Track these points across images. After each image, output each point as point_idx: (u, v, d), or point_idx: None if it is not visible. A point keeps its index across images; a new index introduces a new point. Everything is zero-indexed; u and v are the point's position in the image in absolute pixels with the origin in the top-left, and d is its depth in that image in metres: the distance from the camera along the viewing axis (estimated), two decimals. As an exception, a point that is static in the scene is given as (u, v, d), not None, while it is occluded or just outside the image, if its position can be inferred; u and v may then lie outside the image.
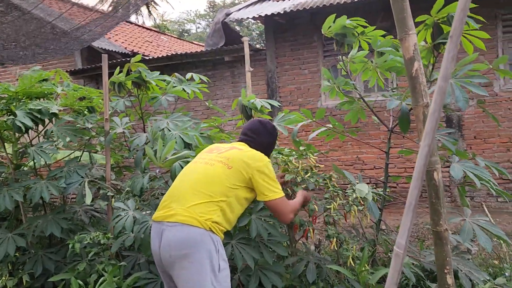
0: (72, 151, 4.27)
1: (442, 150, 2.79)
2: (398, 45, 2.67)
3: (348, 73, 2.86)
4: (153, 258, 2.18)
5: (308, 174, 2.72)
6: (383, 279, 3.02)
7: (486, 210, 3.56)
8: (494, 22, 6.54)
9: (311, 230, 2.71)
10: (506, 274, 2.90)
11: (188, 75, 3.99)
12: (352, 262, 2.50)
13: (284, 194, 2.26)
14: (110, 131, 3.57)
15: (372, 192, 2.64)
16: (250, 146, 2.35)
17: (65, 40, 4.77)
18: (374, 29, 2.84)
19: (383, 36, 2.75)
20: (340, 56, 2.83)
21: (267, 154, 2.39)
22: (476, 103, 2.81)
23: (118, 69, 3.61)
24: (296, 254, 2.91)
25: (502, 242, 3.77)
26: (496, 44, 6.58)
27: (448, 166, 2.72)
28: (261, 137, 2.40)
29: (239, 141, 2.43)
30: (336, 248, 2.66)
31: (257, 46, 7.99)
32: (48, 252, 3.54)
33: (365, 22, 2.78)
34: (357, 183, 2.66)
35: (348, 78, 2.89)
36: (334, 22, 2.71)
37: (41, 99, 3.96)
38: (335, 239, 2.56)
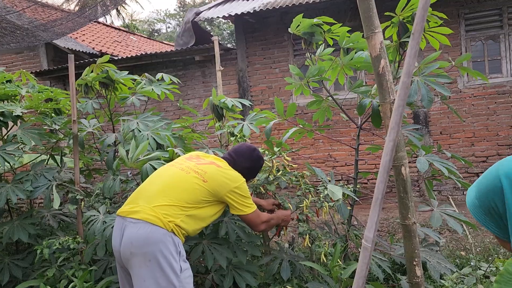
0: (39, 155, 4.14)
1: (409, 146, 2.86)
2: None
3: (317, 71, 2.90)
4: (114, 254, 2.19)
5: (280, 173, 2.74)
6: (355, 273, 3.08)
7: (452, 203, 3.68)
8: (457, 20, 6.76)
9: (284, 228, 2.73)
10: (472, 264, 3.00)
11: (159, 75, 3.94)
12: (324, 258, 2.53)
13: (256, 207, 2.35)
14: (79, 133, 3.49)
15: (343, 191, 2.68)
16: (229, 165, 2.37)
17: (32, 29, 4.63)
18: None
19: (349, 32, 2.80)
20: (308, 54, 2.85)
21: (246, 178, 2.40)
22: (440, 100, 2.89)
23: (87, 69, 3.52)
24: (270, 253, 2.93)
25: (467, 234, 3.91)
26: (460, 42, 6.80)
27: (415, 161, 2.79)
28: (242, 161, 2.42)
29: (221, 157, 2.47)
30: (309, 245, 2.69)
31: (228, 45, 7.96)
32: (15, 259, 3.43)
33: (333, 20, 2.82)
34: (329, 181, 2.69)
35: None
36: (300, 22, 2.74)
37: (5, 102, 3.83)
38: (307, 236, 2.59)
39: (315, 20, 2.66)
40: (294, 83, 2.84)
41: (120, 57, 8.38)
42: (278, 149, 2.79)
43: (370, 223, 1.02)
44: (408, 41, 2.60)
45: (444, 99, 2.86)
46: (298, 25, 2.69)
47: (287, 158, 2.75)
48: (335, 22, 2.78)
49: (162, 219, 2.05)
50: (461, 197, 6.75)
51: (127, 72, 3.60)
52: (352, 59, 2.81)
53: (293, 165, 2.82)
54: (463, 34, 6.79)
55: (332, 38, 3.03)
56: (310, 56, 2.84)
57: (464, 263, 3.37)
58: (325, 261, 2.51)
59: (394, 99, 2.16)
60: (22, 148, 3.98)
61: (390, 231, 4.85)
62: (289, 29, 2.75)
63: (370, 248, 1.01)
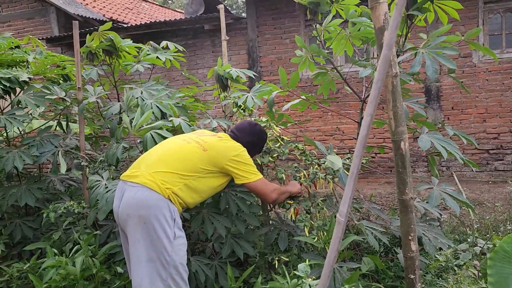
0: (47, 121, 4.20)
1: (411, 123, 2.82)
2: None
3: (322, 42, 2.84)
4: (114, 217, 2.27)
5: (278, 145, 2.74)
6: (354, 246, 3.11)
7: (456, 179, 3.65)
8: (475, -8, 6.52)
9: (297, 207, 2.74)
10: (469, 240, 3.00)
11: (163, 43, 3.92)
12: (306, 232, 2.55)
13: (262, 176, 2.38)
14: (83, 100, 3.51)
15: (344, 163, 2.67)
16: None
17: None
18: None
19: (358, 4, 2.72)
20: (314, 25, 2.79)
21: (250, 154, 2.44)
22: (447, 73, 2.82)
23: (88, 36, 3.52)
24: (269, 224, 2.96)
25: (470, 210, 3.90)
26: (477, 14, 6.57)
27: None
28: (244, 136, 2.48)
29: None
30: (294, 218, 2.72)
31: (243, 14, 7.75)
32: (26, 220, 3.54)
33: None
34: (328, 154, 2.68)
35: (322, 47, 2.87)
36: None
37: (13, 68, 3.85)
38: (293, 209, 2.61)
39: (320, -11, 2.59)
40: (301, 56, 2.79)
41: (130, 25, 8.32)
42: (266, 119, 2.77)
43: (345, 198, 1.02)
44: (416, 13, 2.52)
45: (452, 73, 2.79)
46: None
47: (276, 129, 2.74)
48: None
49: (159, 185, 2.11)
50: (469, 173, 6.70)
51: (131, 40, 3.58)
52: (359, 30, 2.75)
53: (285, 137, 2.81)
54: (481, 6, 6.55)
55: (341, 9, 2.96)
56: (316, 26, 2.78)
57: (464, 239, 3.37)
58: (307, 235, 2.54)
59: (396, 73, 2.12)
60: (31, 114, 4.04)
61: (393, 205, 4.85)
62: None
63: (343, 222, 1.01)
